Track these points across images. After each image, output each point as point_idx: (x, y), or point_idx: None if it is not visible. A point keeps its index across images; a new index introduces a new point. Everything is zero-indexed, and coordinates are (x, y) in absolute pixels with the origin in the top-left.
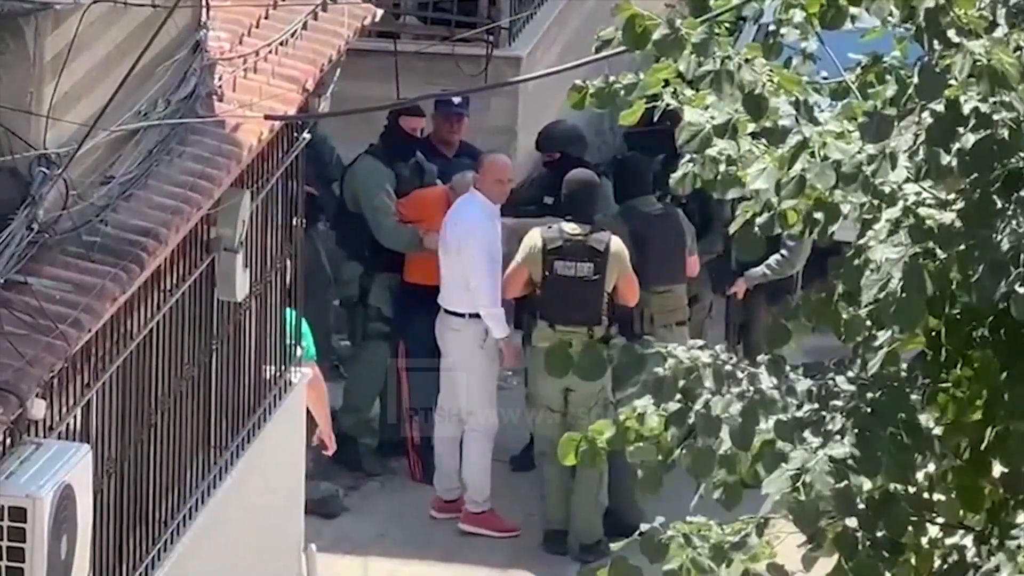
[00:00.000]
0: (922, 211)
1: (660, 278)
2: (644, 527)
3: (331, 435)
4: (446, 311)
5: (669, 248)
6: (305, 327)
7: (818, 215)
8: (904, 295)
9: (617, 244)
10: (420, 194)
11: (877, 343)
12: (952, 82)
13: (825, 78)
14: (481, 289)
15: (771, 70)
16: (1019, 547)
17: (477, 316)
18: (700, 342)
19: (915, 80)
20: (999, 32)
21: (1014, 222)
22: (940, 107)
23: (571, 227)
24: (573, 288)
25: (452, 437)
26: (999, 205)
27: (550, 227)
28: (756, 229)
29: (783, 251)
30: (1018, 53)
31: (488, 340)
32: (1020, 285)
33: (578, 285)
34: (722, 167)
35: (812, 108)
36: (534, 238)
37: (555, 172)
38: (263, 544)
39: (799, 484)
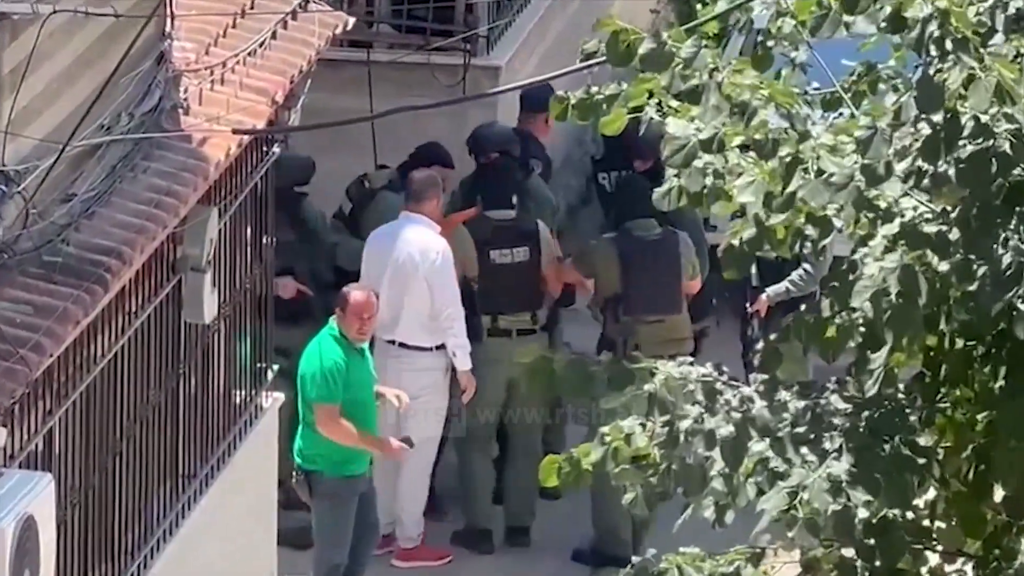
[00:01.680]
0: (920, 226)
1: (650, 307)
2: (636, 559)
3: (383, 445)
4: (401, 345)
5: (662, 275)
6: (324, 369)
7: (809, 231)
8: (900, 302)
9: (543, 226)
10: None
11: (873, 365)
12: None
13: (816, 88)
14: (456, 319)
15: (761, 82)
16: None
17: (440, 347)
18: (690, 359)
19: (914, 92)
20: (997, 39)
21: (1016, 237)
22: (938, 117)
23: (496, 214)
24: (512, 275)
25: (390, 470)
26: (999, 219)
27: (473, 220)
28: (744, 246)
29: (806, 266)
30: (1018, 61)
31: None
32: (1022, 302)
33: (517, 271)
34: (708, 180)
35: (805, 120)
36: (462, 233)
37: (494, 173)
38: (233, 575)
39: (796, 502)
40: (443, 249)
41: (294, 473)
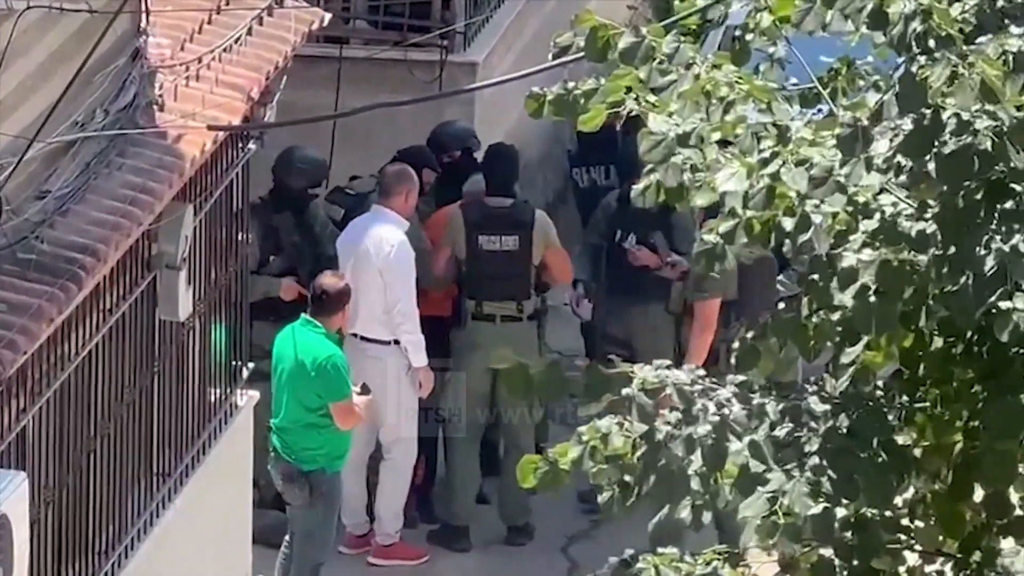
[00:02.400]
0: (900, 222)
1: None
2: (613, 559)
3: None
4: (363, 339)
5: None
6: (338, 364)
7: (787, 224)
8: (878, 299)
9: (541, 216)
10: (439, 215)
11: (848, 359)
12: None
13: (795, 84)
14: (408, 314)
15: (739, 78)
16: (999, 572)
17: (398, 342)
18: (667, 362)
19: (896, 89)
20: (984, 37)
21: (998, 236)
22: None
23: (493, 201)
24: (499, 262)
25: (358, 467)
26: (981, 216)
27: (469, 203)
28: (719, 240)
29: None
30: (1004, 58)
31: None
32: (1004, 301)
33: (504, 259)
34: (687, 175)
35: (785, 114)
36: (455, 215)
37: (456, 171)
38: (209, 574)
39: (776, 507)
40: (399, 243)
41: (292, 474)
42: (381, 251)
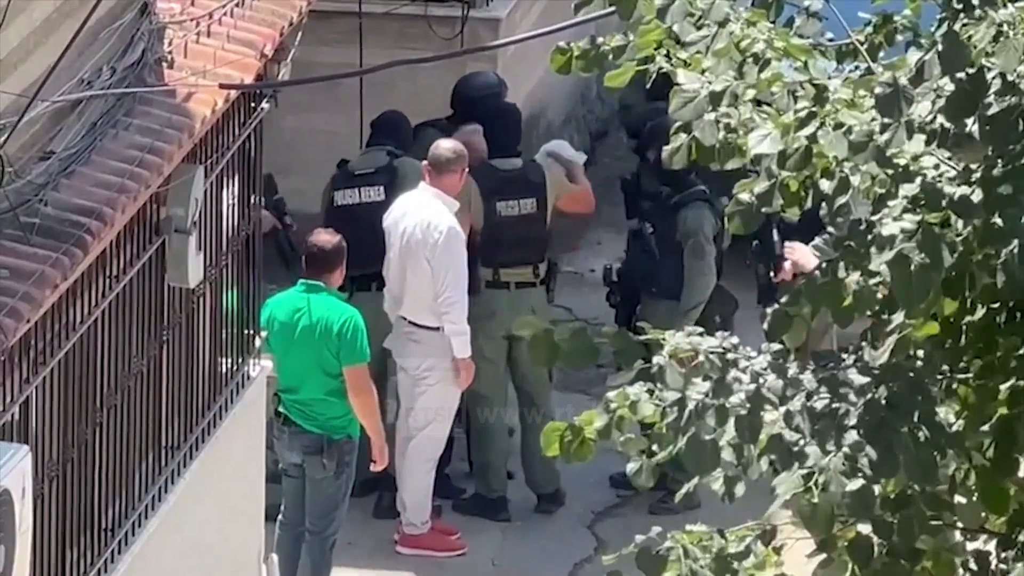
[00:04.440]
0: (941, 187)
1: None
2: (639, 538)
3: (382, 448)
4: (410, 323)
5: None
6: (360, 325)
7: (824, 185)
8: (920, 267)
9: (552, 173)
10: None
11: (888, 328)
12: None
13: (831, 39)
14: (455, 303)
15: (773, 34)
16: None
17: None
18: (700, 329)
19: (939, 48)
20: None
21: None
22: (962, 74)
23: (502, 163)
24: (518, 227)
25: (429, 471)
26: None
27: (479, 168)
28: (754, 199)
29: (830, 229)
30: None
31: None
32: None
33: (523, 222)
34: (721, 135)
35: (823, 72)
36: (469, 184)
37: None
38: (220, 553)
39: (812, 484)
40: (448, 228)
41: (320, 445)
42: (430, 238)
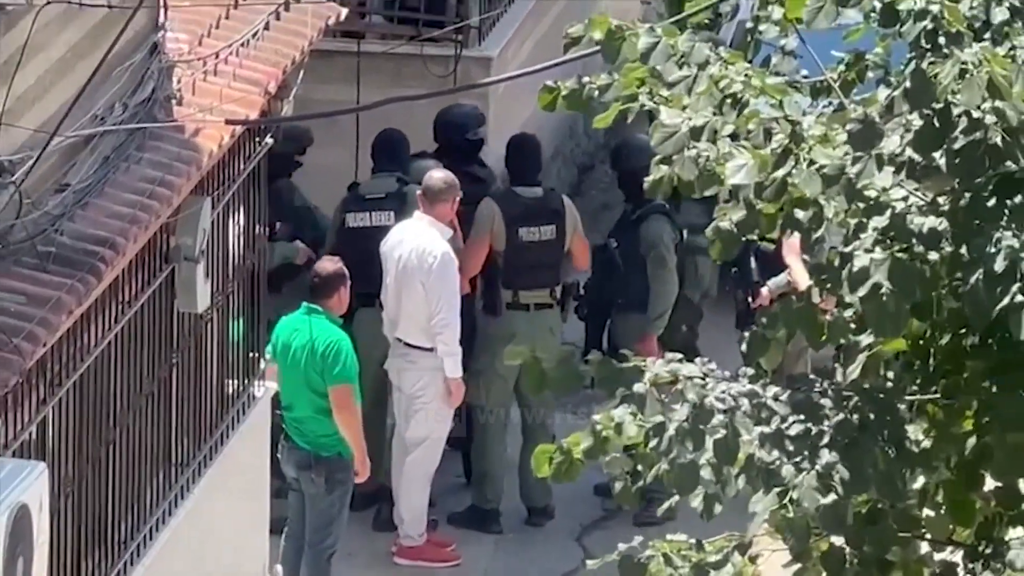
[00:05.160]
0: (909, 218)
1: None
2: (622, 547)
3: (365, 462)
4: (405, 344)
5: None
6: (344, 347)
7: (799, 214)
8: (890, 297)
9: (569, 203)
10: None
11: (859, 348)
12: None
13: (806, 76)
14: (448, 325)
15: (750, 74)
16: (1005, 565)
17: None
18: (679, 356)
19: (907, 86)
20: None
21: (1009, 232)
22: (929, 110)
23: (524, 191)
24: (538, 252)
25: (425, 484)
26: (990, 209)
27: (503, 195)
28: (733, 227)
29: (805, 256)
30: (1012, 53)
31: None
32: (1018, 296)
33: (542, 248)
34: (700, 166)
35: (796, 108)
36: (491, 208)
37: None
38: (227, 564)
39: (787, 501)
40: (442, 254)
41: (309, 462)
42: (424, 263)
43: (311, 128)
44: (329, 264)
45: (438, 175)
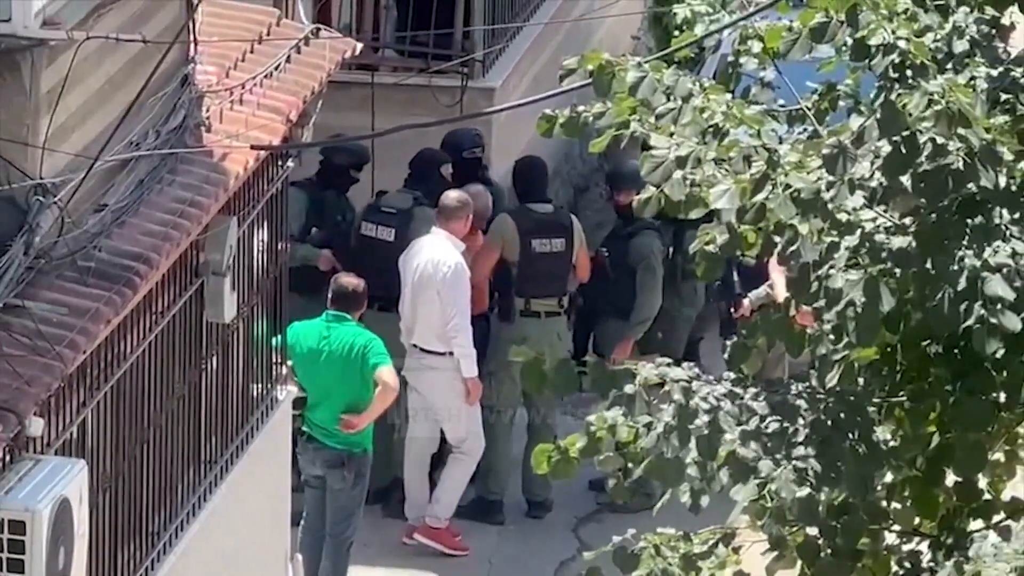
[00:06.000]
0: (879, 238)
1: None
2: (616, 539)
3: (365, 420)
4: (422, 350)
5: None
6: (380, 343)
7: (777, 238)
8: (863, 311)
9: (575, 219)
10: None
11: (836, 357)
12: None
13: (783, 105)
14: (462, 329)
15: (731, 104)
16: (966, 558)
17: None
18: (668, 360)
19: (877, 115)
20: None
21: (970, 252)
22: (897, 137)
23: (536, 207)
24: (549, 263)
25: (421, 466)
26: (954, 229)
27: (517, 210)
28: (716, 249)
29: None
30: (973, 84)
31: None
32: (980, 311)
33: (552, 259)
34: (687, 189)
35: (773, 136)
36: (506, 222)
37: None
38: (251, 554)
39: (766, 492)
40: (455, 264)
41: (341, 460)
42: (439, 272)
43: (366, 148)
44: (355, 280)
45: (453, 195)
